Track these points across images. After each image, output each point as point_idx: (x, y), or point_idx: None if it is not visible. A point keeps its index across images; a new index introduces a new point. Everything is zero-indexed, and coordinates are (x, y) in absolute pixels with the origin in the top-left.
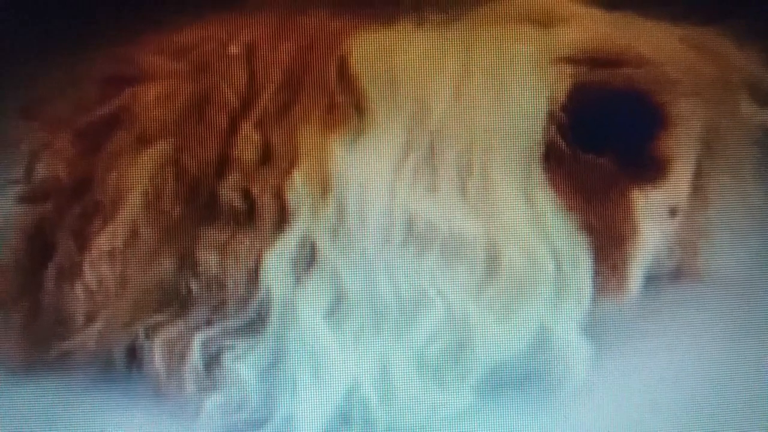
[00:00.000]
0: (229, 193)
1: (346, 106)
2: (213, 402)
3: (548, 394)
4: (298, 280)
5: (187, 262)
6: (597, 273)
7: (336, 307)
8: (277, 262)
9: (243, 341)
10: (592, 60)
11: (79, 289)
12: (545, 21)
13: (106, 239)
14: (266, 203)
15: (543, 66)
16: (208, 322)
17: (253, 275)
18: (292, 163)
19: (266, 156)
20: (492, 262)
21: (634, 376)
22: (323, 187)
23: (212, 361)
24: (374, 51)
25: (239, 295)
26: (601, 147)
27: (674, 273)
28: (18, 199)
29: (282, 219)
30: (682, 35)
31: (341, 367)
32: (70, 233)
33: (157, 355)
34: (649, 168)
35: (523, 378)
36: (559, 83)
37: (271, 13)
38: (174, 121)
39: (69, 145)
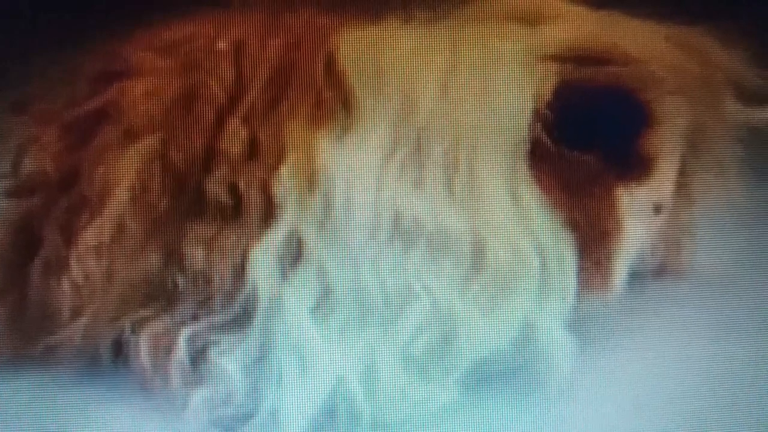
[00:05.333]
0: (215, 187)
1: (333, 102)
2: (199, 396)
3: (532, 389)
4: (284, 275)
5: (174, 257)
6: (581, 269)
7: (322, 302)
8: (263, 257)
9: (229, 336)
10: (578, 58)
11: (65, 283)
12: (532, 19)
13: (92, 234)
14: (253, 198)
15: (529, 64)
16: (195, 317)
17: (240, 270)
18: (278, 159)
19: (253, 151)
20: (477, 258)
21: (617, 372)
22: (310, 182)
23: (198, 356)
24: (361, 48)
25: (226, 290)
26: (586, 144)
27: (658, 270)
28: (5, 193)
29: (268, 214)
30: (667, 34)
31: (327, 362)
32: (56, 227)
33: (143, 350)
34: (634, 165)
35: (507, 373)
36: (545, 81)
37: (259, 10)
38: (161, 116)
39: (56, 139)
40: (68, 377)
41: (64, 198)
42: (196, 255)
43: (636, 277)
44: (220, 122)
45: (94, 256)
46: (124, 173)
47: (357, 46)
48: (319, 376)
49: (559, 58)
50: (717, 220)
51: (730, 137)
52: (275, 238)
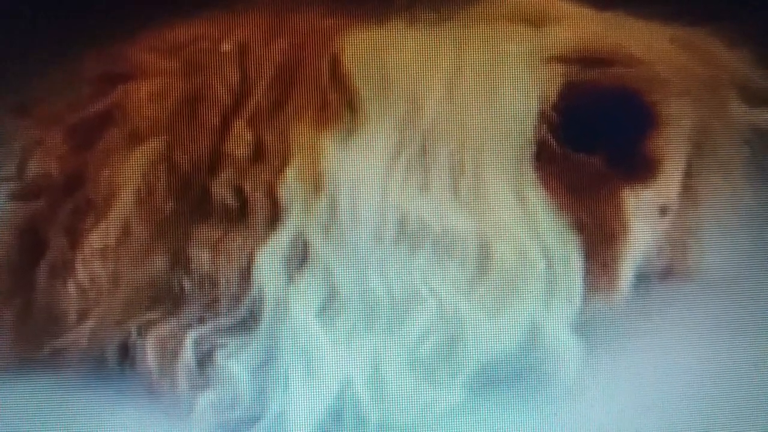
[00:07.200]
0: (221, 190)
1: (338, 104)
2: (206, 399)
3: (539, 392)
4: (290, 277)
5: (180, 260)
6: (587, 271)
7: (328, 305)
8: (269, 260)
9: (235, 339)
10: (584, 59)
11: (71, 286)
12: (537, 20)
13: (98, 237)
14: (258, 201)
15: (534, 65)
16: (201, 320)
17: (246, 273)
18: (284, 161)
19: (258, 153)
20: (483, 260)
21: (624, 374)
22: (315, 184)
23: (205, 359)
24: (367, 49)
25: (232, 292)
26: (592, 146)
27: (664, 271)
28: (10, 196)
29: (274, 217)
30: (673, 35)
31: (333, 365)
32: (62, 230)
33: (149, 353)
34: (640, 167)
35: (513, 375)
36: (550, 82)
37: (263, 11)
38: (166, 119)
39: (61, 142)
40: (75, 380)
41: (69, 201)
42: (201, 258)
43: (642, 278)
44: (225, 124)
45: (99, 259)
46: (129, 176)
47: (362, 48)
48: (325, 379)
49: (564, 59)
50: (723, 222)
51: (736, 139)
52: (281, 240)
